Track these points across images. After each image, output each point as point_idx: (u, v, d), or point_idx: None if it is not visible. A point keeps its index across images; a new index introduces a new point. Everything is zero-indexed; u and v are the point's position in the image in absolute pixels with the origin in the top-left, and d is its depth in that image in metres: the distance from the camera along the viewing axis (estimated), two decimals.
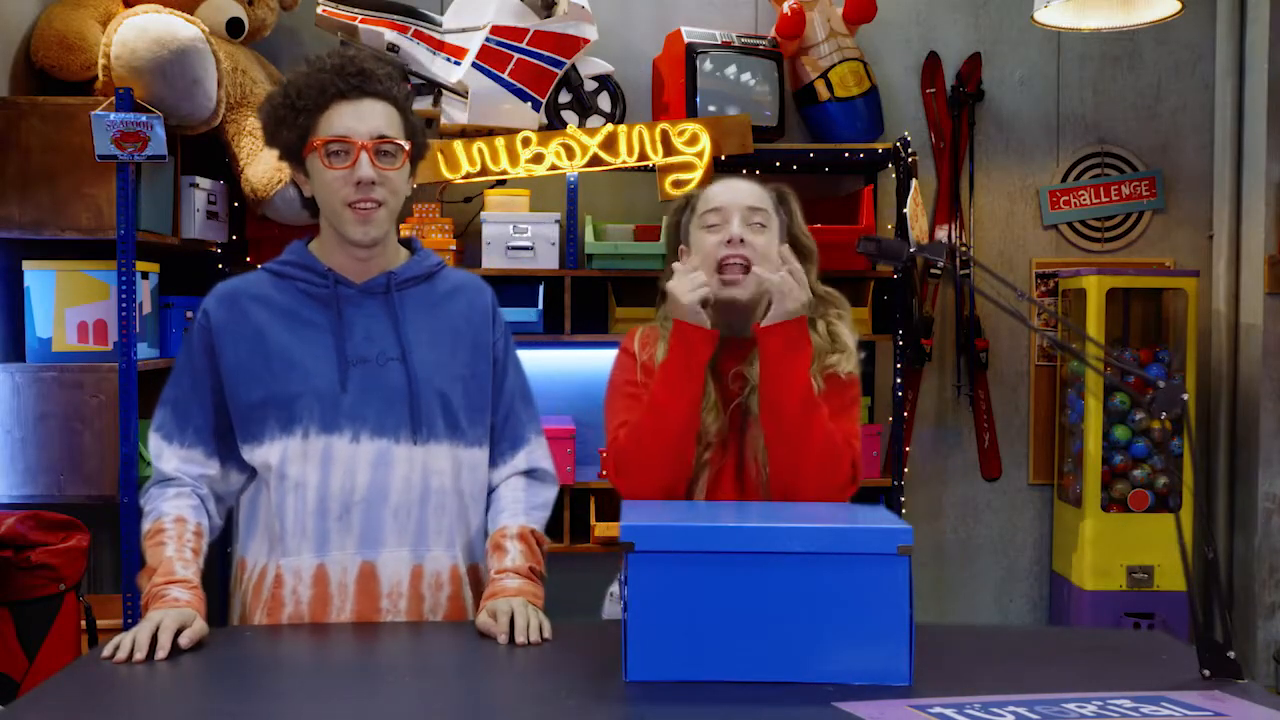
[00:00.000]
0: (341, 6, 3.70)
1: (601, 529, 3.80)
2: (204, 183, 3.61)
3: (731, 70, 3.87)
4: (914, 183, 3.82)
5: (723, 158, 3.76)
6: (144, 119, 3.10)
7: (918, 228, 3.82)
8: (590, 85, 3.91)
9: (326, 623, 1.93)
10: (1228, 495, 4.19)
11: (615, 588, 2.18)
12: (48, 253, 3.27)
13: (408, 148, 1.94)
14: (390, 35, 3.74)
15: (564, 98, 3.88)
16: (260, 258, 3.79)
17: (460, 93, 3.79)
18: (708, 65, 3.84)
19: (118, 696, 1.60)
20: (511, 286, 3.72)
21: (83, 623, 2.90)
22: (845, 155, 3.88)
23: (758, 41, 3.94)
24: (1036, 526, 4.35)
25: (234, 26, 3.60)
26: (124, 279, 3.15)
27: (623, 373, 2.08)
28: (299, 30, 4.04)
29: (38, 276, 3.22)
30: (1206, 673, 1.61)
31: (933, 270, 4.13)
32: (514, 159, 3.73)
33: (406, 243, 2.08)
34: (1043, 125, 4.28)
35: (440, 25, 3.84)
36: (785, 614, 1.56)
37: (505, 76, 3.78)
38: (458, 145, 3.72)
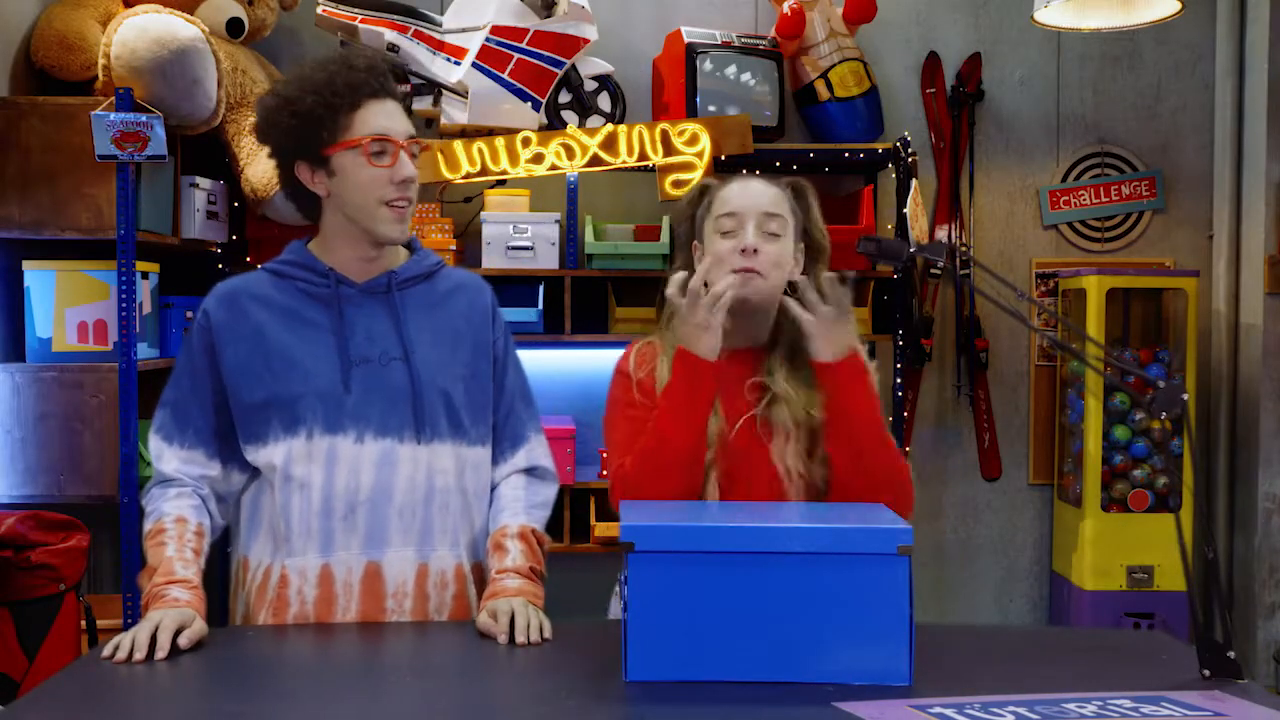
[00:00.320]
0: (341, 6, 3.70)
1: (601, 529, 3.80)
2: (204, 183, 3.61)
3: (731, 70, 3.87)
4: (914, 183, 3.82)
5: (723, 158, 3.76)
6: (144, 119, 3.10)
7: (918, 228, 3.82)
8: (590, 85, 3.91)
9: (326, 623, 1.93)
10: (1228, 495, 4.19)
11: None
12: (48, 253, 3.27)
13: (425, 146, 1.98)
14: (390, 35, 3.74)
15: (564, 98, 3.88)
16: (260, 258, 3.79)
17: (460, 93, 3.79)
18: (708, 65, 3.84)
19: (118, 696, 1.60)
20: (511, 286, 3.72)
21: (83, 623, 2.90)
22: (845, 155, 3.88)
23: (758, 41, 3.94)
24: (1036, 526, 4.35)
25: (234, 26, 3.60)
26: (124, 279, 3.15)
27: (620, 393, 2.03)
28: (299, 30, 4.04)
29: (38, 276, 3.22)
30: (1206, 673, 1.61)
31: (933, 270, 4.13)
32: (514, 159, 3.73)
33: (405, 242, 2.08)
34: (1043, 125, 4.28)
35: (440, 25, 3.84)
36: (785, 614, 1.56)
37: (505, 76, 3.78)
38: (458, 145, 3.73)
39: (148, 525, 1.93)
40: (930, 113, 4.23)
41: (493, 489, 2.08)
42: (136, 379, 3.16)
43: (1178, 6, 3.26)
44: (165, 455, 1.96)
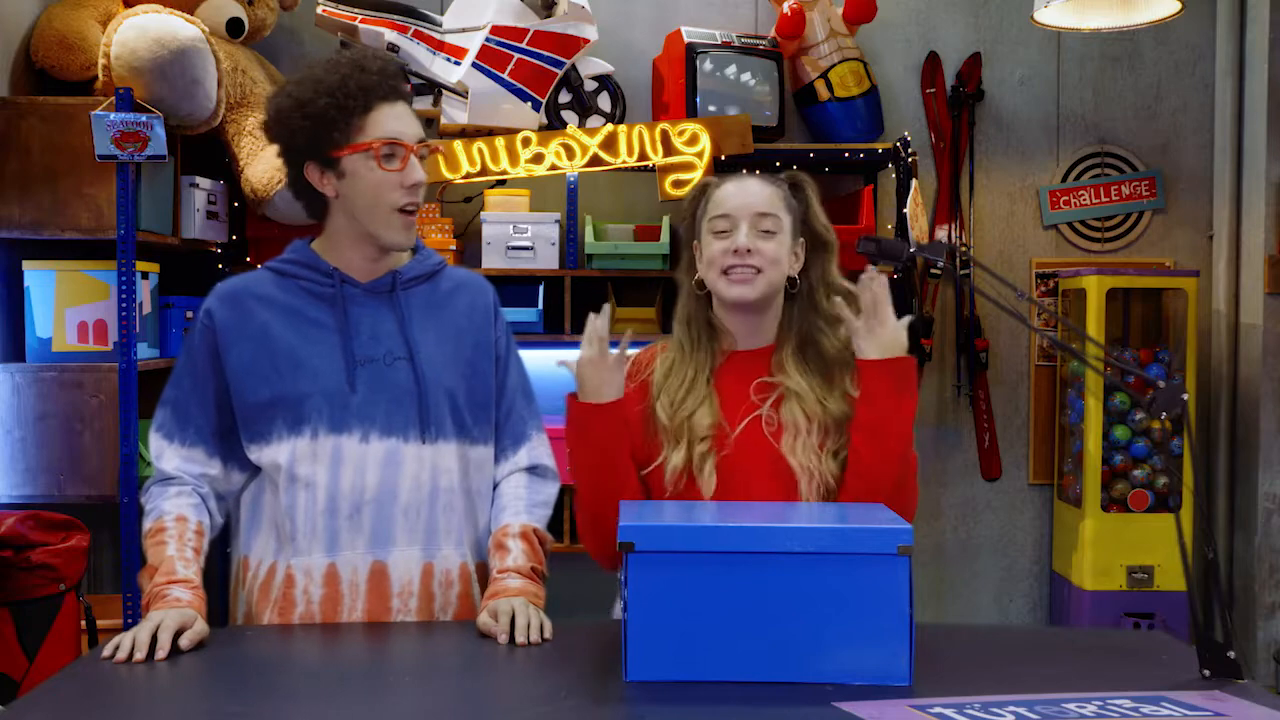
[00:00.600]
0: (341, 6, 3.70)
1: None
2: (204, 183, 3.61)
3: (731, 70, 3.87)
4: (914, 183, 3.82)
5: (723, 158, 3.76)
6: (144, 119, 3.10)
7: (918, 228, 3.82)
8: (590, 85, 3.91)
9: (327, 623, 1.93)
10: (1228, 495, 4.19)
11: None
12: (48, 253, 3.27)
13: (435, 148, 2.00)
14: (390, 35, 3.74)
15: (564, 98, 3.88)
16: (260, 258, 3.79)
17: (460, 93, 3.79)
18: (708, 65, 3.84)
19: (118, 696, 1.60)
20: (511, 286, 3.72)
21: (83, 623, 2.90)
22: (845, 155, 3.89)
23: (758, 41, 3.94)
24: (1036, 526, 4.35)
25: (234, 26, 3.60)
26: (124, 279, 3.15)
27: None
28: (299, 30, 4.04)
29: (38, 276, 3.22)
30: (1206, 673, 1.61)
31: (933, 270, 4.13)
32: (514, 159, 3.73)
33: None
34: (1043, 125, 4.28)
35: (440, 25, 3.84)
36: (785, 614, 1.56)
37: (505, 76, 3.78)
38: (458, 145, 3.73)
39: (147, 523, 1.93)
40: (930, 113, 4.23)
41: (495, 487, 2.08)
42: (136, 379, 3.16)
43: (1178, 6, 3.26)
44: (165, 453, 1.96)
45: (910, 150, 3.85)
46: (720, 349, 2.02)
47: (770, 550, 1.57)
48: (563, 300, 3.79)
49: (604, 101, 3.93)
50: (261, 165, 3.47)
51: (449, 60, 3.80)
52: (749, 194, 1.97)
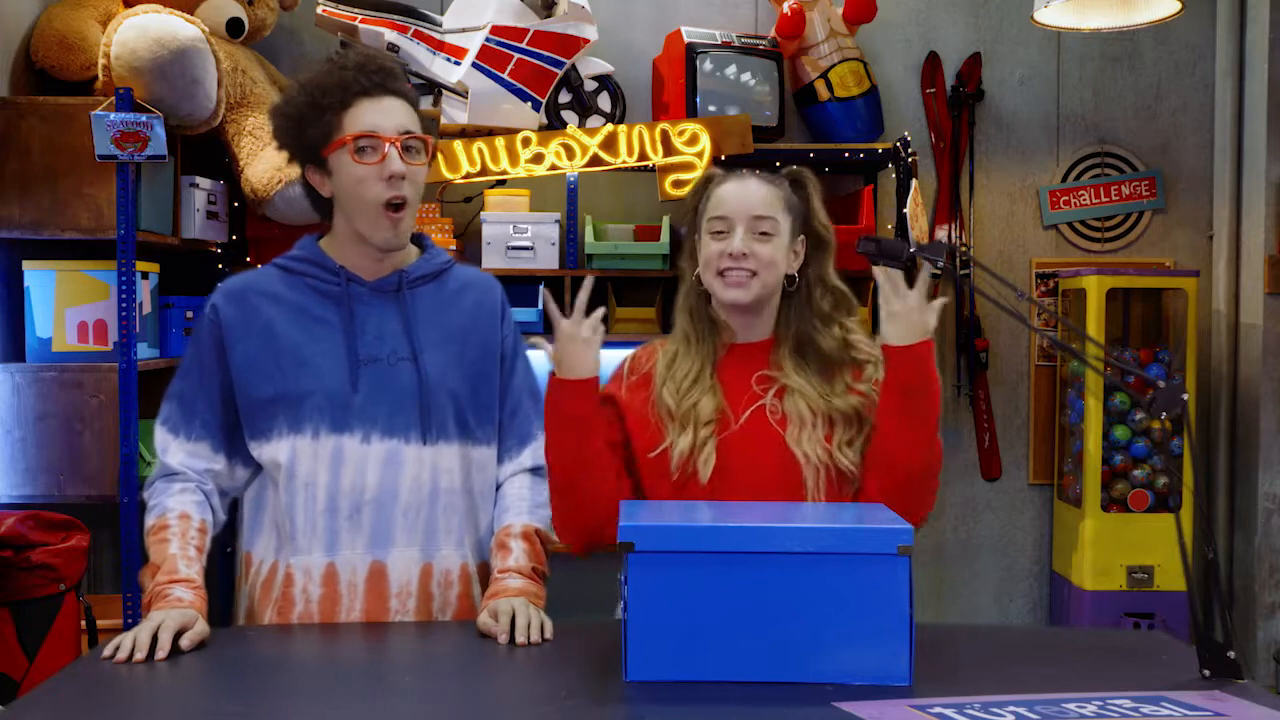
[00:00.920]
0: (341, 6, 3.70)
1: None
2: (204, 183, 3.61)
3: (731, 70, 3.87)
4: (914, 183, 3.82)
5: (723, 158, 3.76)
6: (144, 119, 3.10)
7: (918, 228, 3.82)
8: (590, 85, 3.91)
9: (327, 623, 1.93)
10: (1228, 495, 4.19)
11: None
12: (48, 253, 3.27)
13: (431, 142, 1.97)
14: (390, 35, 3.74)
15: (564, 98, 3.88)
16: (260, 258, 3.79)
17: (460, 93, 3.79)
18: (708, 65, 3.84)
19: (118, 696, 1.60)
20: (511, 286, 3.67)
21: (83, 623, 2.90)
22: (845, 155, 3.89)
23: (758, 41, 3.94)
24: (1036, 526, 4.35)
25: (234, 26, 3.60)
26: (124, 279, 3.15)
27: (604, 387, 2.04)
28: (299, 30, 4.04)
29: (38, 276, 3.22)
30: (1206, 673, 1.61)
31: (933, 270, 4.12)
32: (514, 159, 3.73)
33: (417, 239, 2.08)
34: (1043, 125, 4.28)
35: (440, 25, 3.84)
36: (785, 614, 1.56)
37: (505, 76, 3.78)
38: (458, 145, 3.73)
39: (150, 520, 1.93)
40: (930, 113, 4.23)
41: (498, 487, 2.08)
42: (136, 379, 3.16)
43: (1178, 6, 3.26)
44: (171, 448, 1.96)
45: (910, 150, 3.85)
46: (721, 341, 2.02)
47: (770, 550, 1.57)
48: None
49: (604, 101, 3.93)
50: (261, 165, 3.47)
51: (449, 60, 3.80)
52: (748, 196, 1.96)
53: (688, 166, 3.74)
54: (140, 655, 1.68)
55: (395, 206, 1.92)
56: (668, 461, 1.93)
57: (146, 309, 3.37)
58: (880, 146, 3.87)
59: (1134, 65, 4.27)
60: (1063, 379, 4.23)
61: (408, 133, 1.93)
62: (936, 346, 4.39)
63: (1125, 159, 4.27)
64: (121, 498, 3.15)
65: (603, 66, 3.91)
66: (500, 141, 3.73)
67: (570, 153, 3.74)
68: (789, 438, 1.93)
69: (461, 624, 1.94)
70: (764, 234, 1.95)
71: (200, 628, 1.76)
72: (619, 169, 3.80)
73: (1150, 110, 4.28)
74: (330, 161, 1.93)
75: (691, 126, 3.75)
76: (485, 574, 2.03)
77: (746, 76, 3.88)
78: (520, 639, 1.78)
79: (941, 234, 4.21)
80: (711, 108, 3.84)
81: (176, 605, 1.79)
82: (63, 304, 3.22)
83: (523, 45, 3.78)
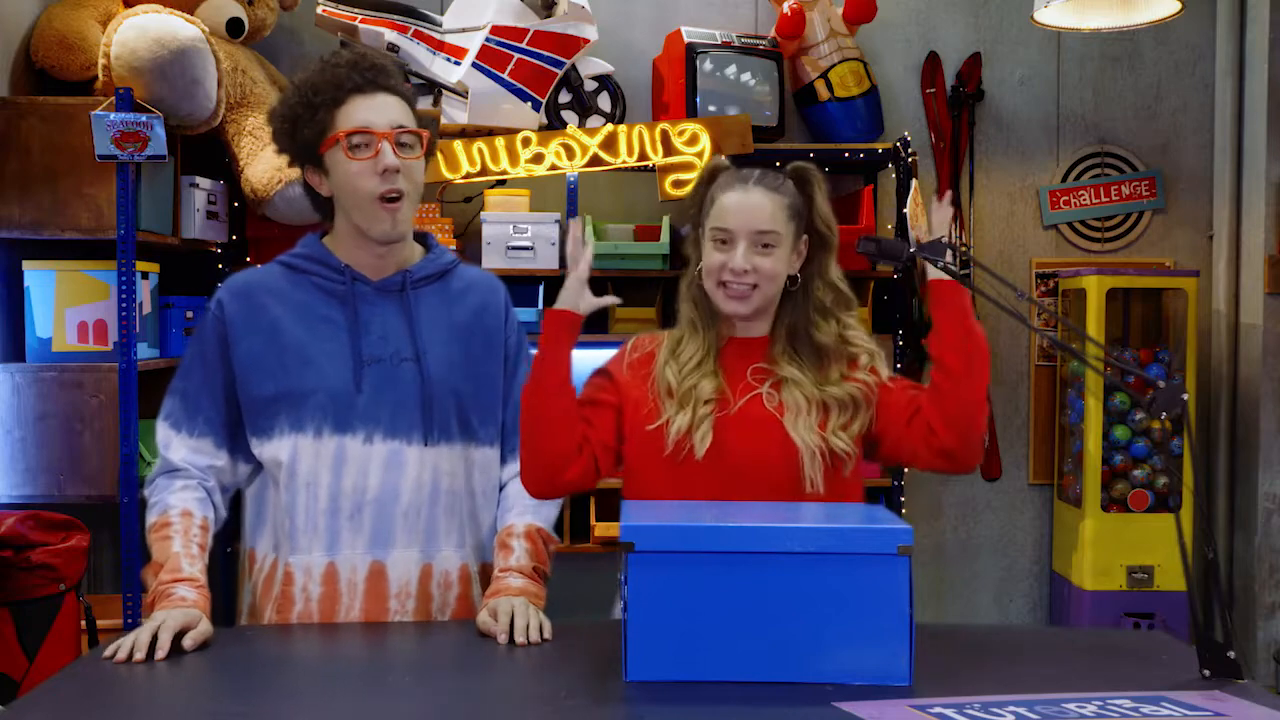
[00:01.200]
0: (341, 6, 3.70)
1: (601, 529, 3.80)
2: (204, 183, 3.61)
3: (731, 70, 3.87)
4: (914, 183, 3.82)
5: (724, 157, 3.75)
6: (144, 119, 3.10)
7: (918, 228, 3.82)
8: (590, 85, 3.91)
9: (327, 623, 1.93)
10: (1228, 495, 4.19)
11: None
12: (48, 253, 3.27)
13: (426, 136, 1.97)
14: (390, 35, 3.74)
15: (564, 98, 3.88)
16: (260, 258, 3.79)
17: (460, 93, 3.79)
18: (708, 65, 3.84)
19: (118, 696, 1.60)
20: (511, 286, 3.68)
21: (83, 623, 2.90)
22: (845, 155, 3.89)
23: (758, 41, 3.94)
24: (1036, 526, 4.35)
25: (234, 26, 3.60)
26: (124, 279, 3.15)
27: (604, 364, 2.07)
28: (299, 30, 4.04)
29: (38, 276, 3.22)
30: (1206, 673, 1.61)
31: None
32: (514, 159, 3.73)
33: (421, 238, 2.08)
34: (1043, 125, 4.28)
35: (440, 25, 3.84)
36: (785, 614, 1.56)
37: (505, 76, 3.78)
38: (458, 145, 3.73)
39: (152, 517, 1.92)
40: (930, 113, 4.23)
41: (502, 487, 2.08)
42: (136, 379, 3.16)
43: (1178, 6, 3.26)
44: (173, 443, 1.96)
45: (910, 150, 3.85)
46: (721, 332, 2.04)
47: (770, 550, 1.57)
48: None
49: (604, 101, 3.93)
50: (261, 165, 3.47)
51: (449, 60, 3.80)
52: (750, 210, 1.97)
53: (688, 166, 3.74)
54: (140, 655, 1.67)
55: (390, 199, 1.92)
56: (662, 439, 1.94)
57: (146, 309, 3.37)
58: (880, 146, 3.88)
59: (1134, 65, 4.27)
60: (1063, 379, 4.23)
61: (400, 127, 1.93)
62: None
63: (1125, 159, 4.27)
64: (121, 498, 3.15)
65: (603, 66, 3.91)
66: (500, 141, 3.73)
67: (570, 153, 3.74)
68: (786, 422, 1.95)
69: (461, 624, 1.94)
70: (766, 246, 1.96)
71: (203, 627, 1.76)
72: (619, 169, 3.80)
73: (1150, 110, 4.28)
74: (326, 159, 1.94)
75: (691, 126, 3.75)
76: (486, 575, 2.03)
77: (746, 76, 3.88)
78: (520, 639, 1.78)
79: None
80: (711, 108, 3.84)
81: (180, 605, 1.78)
82: (63, 304, 3.22)
83: (523, 45, 3.78)
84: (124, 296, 3.16)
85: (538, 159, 3.74)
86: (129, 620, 3.12)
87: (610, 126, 3.77)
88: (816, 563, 1.57)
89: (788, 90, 3.98)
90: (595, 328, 3.90)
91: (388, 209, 1.92)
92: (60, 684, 1.64)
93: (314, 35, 3.94)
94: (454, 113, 3.80)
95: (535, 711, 1.53)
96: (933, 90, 4.22)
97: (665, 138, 3.74)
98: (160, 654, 1.68)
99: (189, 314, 3.59)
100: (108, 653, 1.70)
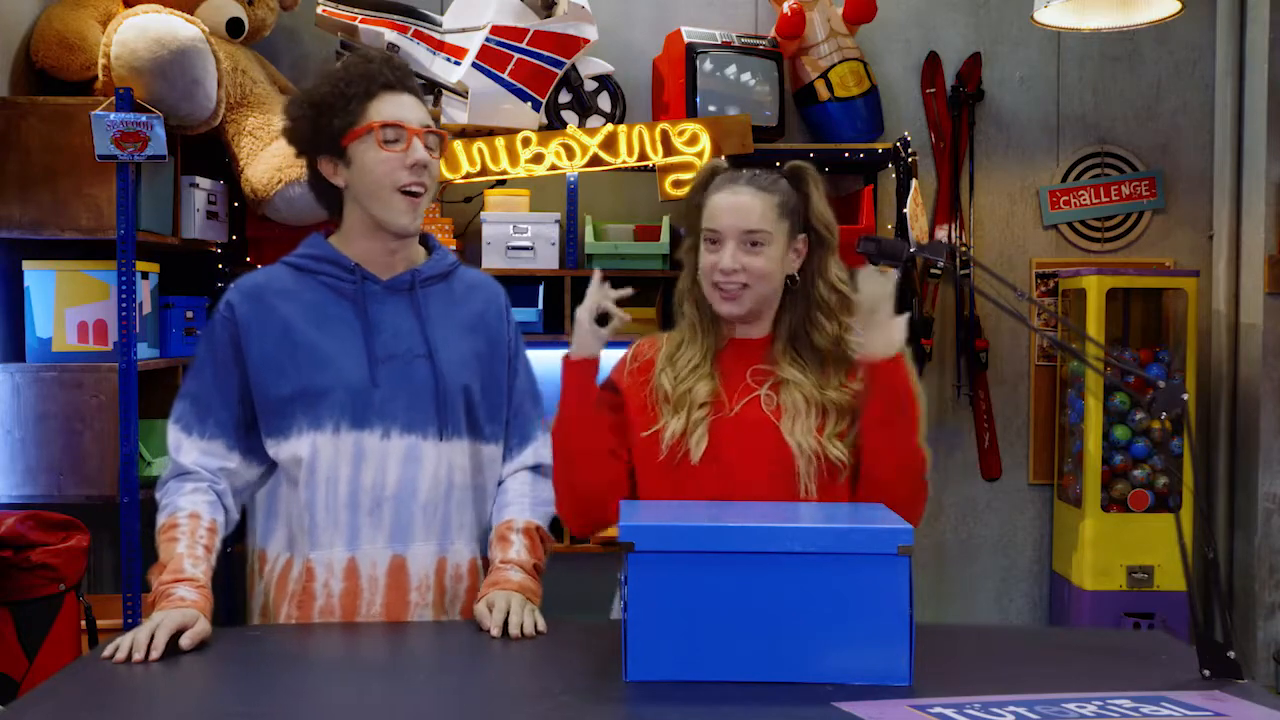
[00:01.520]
0: (341, 6, 3.70)
1: None
2: (204, 183, 3.60)
3: (731, 70, 3.87)
4: (914, 183, 3.83)
5: (723, 158, 3.75)
6: (144, 119, 3.10)
7: (918, 228, 3.82)
8: (590, 85, 3.91)
9: (326, 622, 1.94)
10: (1228, 495, 4.19)
11: None
12: (48, 253, 3.27)
13: (446, 138, 2.02)
14: (390, 35, 3.74)
15: (564, 98, 3.88)
16: (260, 258, 3.79)
17: (460, 93, 3.79)
18: (708, 65, 3.84)
19: (118, 696, 1.60)
20: (511, 286, 3.68)
21: (83, 623, 2.90)
22: (845, 155, 3.89)
23: (758, 41, 3.94)
24: (1036, 526, 4.35)
25: (234, 26, 3.60)
26: (124, 279, 3.15)
27: (607, 373, 2.08)
28: (299, 30, 4.04)
29: (38, 276, 3.22)
30: (1206, 673, 1.61)
31: (933, 270, 4.13)
32: (514, 159, 3.74)
33: (424, 240, 2.10)
34: (1043, 125, 4.28)
35: (440, 25, 3.84)
36: (785, 614, 1.56)
37: (505, 76, 3.78)
38: (458, 145, 3.73)
39: (161, 519, 1.93)
40: (930, 113, 4.23)
41: (500, 484, 2.10)
42: (136, 379, 3.15)
43: (1178, 6, 3.26)
44: (184, 446, 1.96)
45: (910, 150, 3.85)
46: (721, 334, 2.04)
47: (770, 550, 1.57)
48: (563, 300, 3.78)
49: (604, 101, 3.93)
50: (261, 165, 3.47)
51: (449, 60, 3.80)
52: (739, 211, 1.97)
53: (688, 166, 3.74)
54: (139, 655, 1.68)
55: (413, 193, 1.95)
56: (659, 443, 1.95)
57: (146, 309, 3.37)
58: (880, 146, 3.88)
59: (1134, 65, 4.27)
60: (1063, 379, 4.23)
61: (428, 127, 1.98)
62: (937, 347, 4.43)
63: (1125, 159, 4.27)
64: (121, 498, 3.15)
65: (603, 66, 3.91)
66: (500, 141, 3.73)
67: (570, 153, 3.74)
68: (783, 427, 1.95)
69: (461, 623, 1.95)
70: (755, 245, 1.96)
71: (201, 626, 1.76)
72: (619, 169, 3.80)
73: (1150, 110, 4.28)
74: (350, 150, 1.95)
75: (691, 126, 3.75)
76: (485, 568, 2.06)
77: (746, 76, 3.88)
78: (514, 633, 1.80)
79: (941, 234, 4.21)
80: (711, 108, 3.84)
81: (179, 605, 1.79)
82: (63, 304, 3.22)
83: (523, 45, 3.78)
84: (124, 296, 3.16)
85: (538, 159, 3.74)
86: (129, 620, 3.12)
87: (610, 126, 3.77)
88: (817, 563, 1.57)
89: (788, 90, 3.98)
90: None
91: (410, 202, 1.96)
92: (60, 684, 1.64)
93: (314, 35, 3.94)
94: (454, 113, 3.80)
95: (534, 711, 1.53)
96: (933, 90, 4.22)
97: (665, 138, 3.74)
98: (155, 654, 1.68)
99: (189, 314, 3.59)
100: (106, 653, 1.70)
